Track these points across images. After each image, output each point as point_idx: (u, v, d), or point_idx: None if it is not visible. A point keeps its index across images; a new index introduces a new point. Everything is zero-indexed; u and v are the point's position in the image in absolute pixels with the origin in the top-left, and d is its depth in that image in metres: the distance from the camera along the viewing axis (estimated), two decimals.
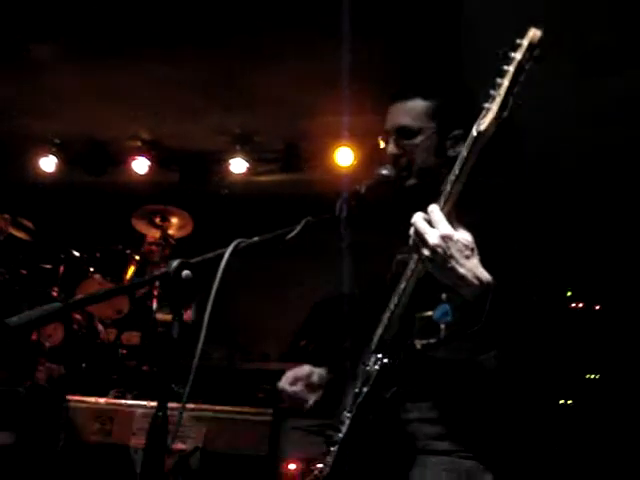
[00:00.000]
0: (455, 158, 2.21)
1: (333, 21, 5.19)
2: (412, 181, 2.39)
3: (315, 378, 2.59)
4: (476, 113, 2.13)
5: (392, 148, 2.42)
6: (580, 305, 6.10)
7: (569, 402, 5.56)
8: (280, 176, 7.97)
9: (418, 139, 2.38)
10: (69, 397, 5.22)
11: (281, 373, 2.67)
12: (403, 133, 2.41)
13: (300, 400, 2.58)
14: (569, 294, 6.08)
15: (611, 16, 5.04)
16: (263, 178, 8.15)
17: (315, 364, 2.66)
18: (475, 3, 5.14)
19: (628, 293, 6.25)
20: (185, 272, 1.74)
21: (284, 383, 2.60)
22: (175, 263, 1.74)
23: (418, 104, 2.41)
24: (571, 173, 6.85)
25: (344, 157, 7.45)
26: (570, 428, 5.34)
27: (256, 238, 1.99)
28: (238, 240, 1.91)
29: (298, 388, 2.58)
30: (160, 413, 1.70)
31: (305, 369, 2.62)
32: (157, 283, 5.57)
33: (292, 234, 2.01)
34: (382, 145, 2.47)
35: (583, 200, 6.87)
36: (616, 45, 5.36)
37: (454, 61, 5.66)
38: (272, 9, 5.53)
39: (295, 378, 2.59)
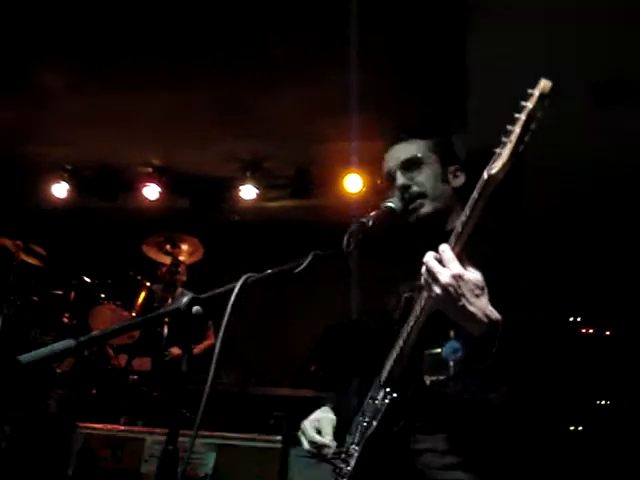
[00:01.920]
0: (459, 189, 2.42)
1: (343, 48, 5.24)
2: (427, 208, 2.46)
3: (331, 422, 2.57)
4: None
5: (402, 180, 2.48)
6: (590, 331, 6.09)
7: (579, 428, 5.54)
8: (290, 202, 8.00)
9: (423, 167, 2.50)
10: (80, 424, 5.24)
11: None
12: (409, 165, 2.50)
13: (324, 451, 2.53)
14: (579, 319, 6.07)
15: (625, 44, 5.07)
16: (273, 204, 8.18)
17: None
18: (480, 27, 5.20)
19: (638, 319, 6.24)
20: (195, 308, 1.76)
21: (310, 436, 2.55)
22: (186, 299, 1.76)
23: (417, 142, 2.54)
24: (585, 199, 6.87)
25: (353, 184, 7.49)
26: (581, 454, 5.32)
27: (266, 272, 2.02)
28: (247, 275, 1.93)
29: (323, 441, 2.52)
30: (171, 447, 1.71)
31: (324, 421, 2.58)
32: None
33: (300, 268, 2.03)
34: (385, 183, 2.57)
35: (596, 227, 6.88)
36: (631, 75, 5.39)
37: (461, 85, 5.70)
38: (282, 36, 5.59)
39: (317, 429, 2.56)
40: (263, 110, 6.55)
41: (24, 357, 1.52)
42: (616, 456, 5.28)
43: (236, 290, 1.85)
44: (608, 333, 6.11)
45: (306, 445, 2.54)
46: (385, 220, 2.36)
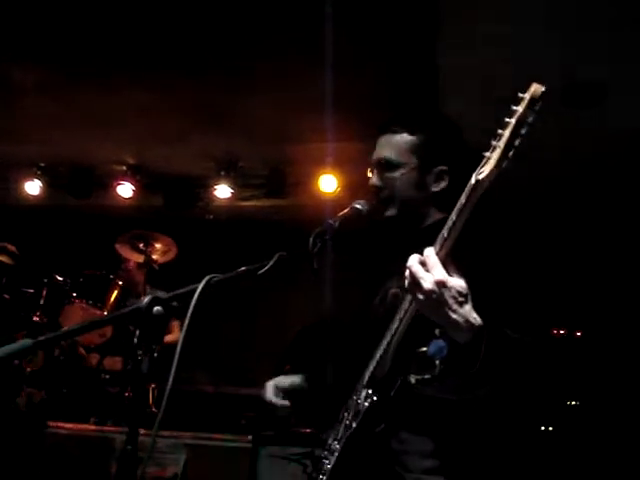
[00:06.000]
0: (439, 193, 2.39)
1: (318, 48, 5.24)
2: (391, 212, 2.44)
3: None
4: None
5: (374, 179, 2.47)
6: (562, 332, 6.12)
7: (550, 428, 5.57)
8: (264, 202, 8.00)
9: (398, 172, 2.43)
10: (50, 423, 5.21)
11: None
12: (385, 166, 2.46)
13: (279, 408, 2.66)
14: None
15: (594, 48, 5.11)
16: (247, 203, 8.17)
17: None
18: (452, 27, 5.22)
19: (609, 320, 6.29)
20: (156, 308, 1.75)
21: (269, 394, 2.70)
22: (147, 299, 1.75)
23: (403, 139, 2.45)
24: (554, 203, 6.92)
25: (328, 184, 7.50)
26: (551, 454, 5.35)
27: (230, 273, 2.01)
28: (210, 275, 1.92)
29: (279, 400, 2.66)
30: (129, 447, 1.71)
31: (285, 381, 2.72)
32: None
33: (264, 269, 2.02)
34: (369, 175, 2.52)
35: (565, 229, 6.92)
36: (597, 77, 5.44)
37: (433, 89, 5.72)
38: (258, 36, 5.57)
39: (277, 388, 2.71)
40: (238, 110, 6.52)
41: None
42: (586, 456, 5.32)
43: (198, 291, 1.84)
44: (579, 334, 6.14)
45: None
46: (352, 221, 2.34)
